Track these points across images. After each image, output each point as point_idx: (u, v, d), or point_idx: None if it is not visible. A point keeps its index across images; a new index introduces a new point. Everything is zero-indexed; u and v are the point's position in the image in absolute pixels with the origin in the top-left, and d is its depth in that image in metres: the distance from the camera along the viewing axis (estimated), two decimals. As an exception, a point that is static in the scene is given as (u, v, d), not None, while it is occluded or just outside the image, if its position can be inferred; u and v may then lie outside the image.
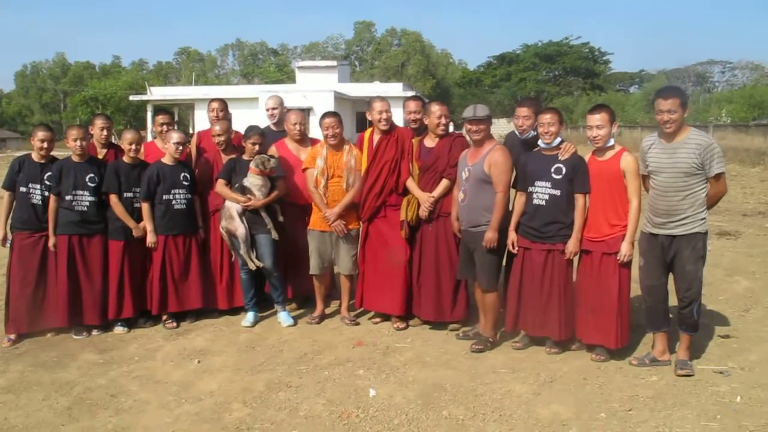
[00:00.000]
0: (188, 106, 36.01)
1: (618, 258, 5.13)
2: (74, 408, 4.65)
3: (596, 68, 67.71)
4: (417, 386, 4.88)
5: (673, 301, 5.21)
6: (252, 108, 25.20)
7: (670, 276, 5.16)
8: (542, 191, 5.38)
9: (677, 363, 5.06)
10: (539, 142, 5.50)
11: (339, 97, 30.44)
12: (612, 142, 5.24)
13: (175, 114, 41.41)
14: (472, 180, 5.53)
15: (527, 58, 65.44)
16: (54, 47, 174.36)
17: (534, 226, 5.41)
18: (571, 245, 5.30)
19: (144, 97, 36.50)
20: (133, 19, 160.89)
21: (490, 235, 5.44)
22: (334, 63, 42.10)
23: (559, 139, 5.42)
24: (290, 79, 51.76)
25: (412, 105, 6.43)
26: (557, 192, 5.33)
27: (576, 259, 5.45)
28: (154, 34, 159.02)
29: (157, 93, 37.17)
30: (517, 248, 5.52)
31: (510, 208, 5.63)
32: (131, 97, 39.75)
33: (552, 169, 5.35)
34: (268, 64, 78.76)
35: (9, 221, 6.18)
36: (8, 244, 6.21)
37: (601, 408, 4.49)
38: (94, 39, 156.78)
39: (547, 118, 5.39)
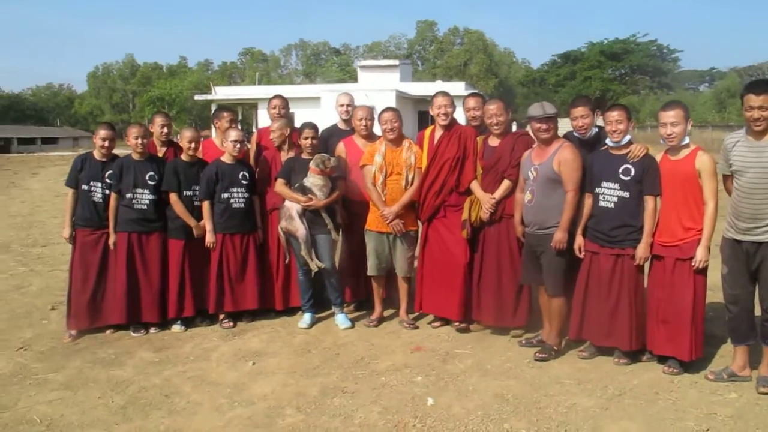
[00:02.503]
0: (251, 106, 36.47)
1: (693, 264, 4.81)
2: (128, 407, 4.61)
3: (664, 66, 65.72)
4: (477, 396, 4.66)
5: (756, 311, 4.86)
6: (314, 107, 25.35)
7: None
8: (610, 193, 5.10)
9: (759, 379, 4.69)
10: (607, 140, 5.21)
11: (401, 96, 30.33)
12: (687, 140, 4.92)
13: (239, 113, 42.13)
14: (540, 179, 5.29)
15: (592, 56, 63.85)
16: (124, 48, 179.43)
17: (602, 229, 5.13)
18: (641, 250, 5.00)
19: (208, 97, 37.20)
20: (200, 20, 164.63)
21: (560, 236, 5.19)
22: (396, 62, 42.04)
23: (628, 137, 5.13)
24: (352, 78, 52.03)
25: (472, 102, 6.24)
26: (626, 194, 5.04)
27: (647, 265, 5.15)
28: (219, 34, 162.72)
29: (221, 93, 37.82)
30: (583, 253, 5.25)
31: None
32: (196, 97, 40.57)
33: (620, 170, 5.06)
34: (330, 64, 79.36)
35: (73, 218, 6.23)
36: (73, 242, 6.26)
37: (675, 426, 4.18)
38: (162, 40, 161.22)
39: (614, 115, 5.10)
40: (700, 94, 61.53)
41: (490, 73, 73.51)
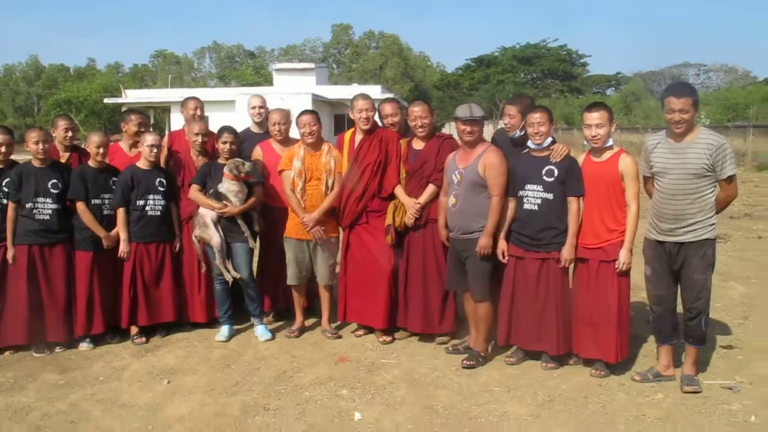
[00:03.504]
0: (164, 109, 35.46)
1: (616, 266, 4.80)
2: (29, 437, 4.22)
3: (574, 71, 67.72)
4: (406, 408, 4.50)
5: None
6: (229, 111, 24.80)
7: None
8: (534, 195, 5.05)
9: (683, 378, 4.73)
10: (529, 143, 5.16)
11: (317, 100, 30.15)
12: (611, 142, 4.92)
13: (151, 117, 40.92)
14: (465, 184, 5.18)
15: (505, 60, 65.24)
16: (27, 49, 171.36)
17: (527, 233, 5.07)
18: (566, 252, 4.96)
19: (119, 100, 36.05)
20: (109, 21, 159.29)
21: (485, 241, 5.09)
22: (311, 65, 41.80)
23: (549, 140, 5.09)
24: (267, 81, 51.37)
25: (388, 108, 6.12)
26: (549, 195, 4.99)
27: (571, 268, 5.12)
28: (129, 36, 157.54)
29: (133, 96, 36.70)
30: (507, 257, 5.18)
31: None
32: (106, 100, 39.21)
33: (543, 171, 5.02)
34: (245, 67, 78.26)
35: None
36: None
37: (607, 431, 4.14)
38: (69, 41, 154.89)
39: (536, 117, 5.05)
40: (608, 98, 63.56)
41: (406, 76, 73.97)
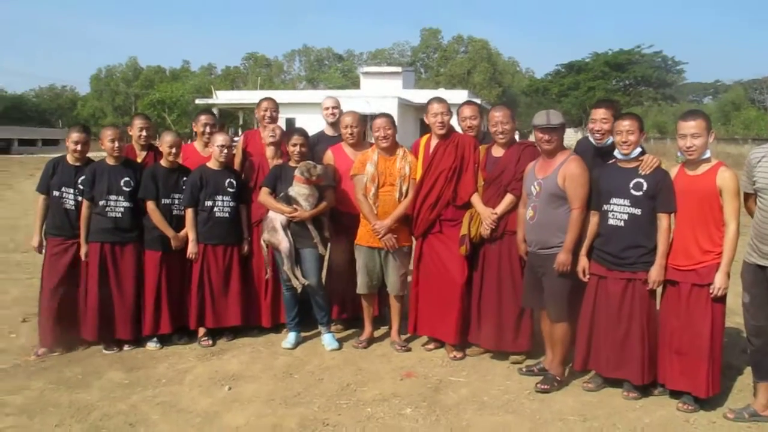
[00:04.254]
0: (253, 111, 36.06)
1: (711, 291, 4.37)
2: (86, 439, 4.17)
3: (669, 78, 65.55)
4: (471, 433, 4.23)
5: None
6: (317, 113, 24.96)
7: None
8: (620, 210, 4.65)
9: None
10: (615, 152, 4.78)
11: (403, 104, 30.08)
12: (708, 154, 4.49)
13: (240, 118, 41.85)
14: (543, 195, 4.86)
15: (596, 66, 63.72)
16: (127, 51, 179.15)
17: (611, 250, 4.68)
18: (655, 273, 4.55)
19: (210, 101, 36.97)
20: (204, 24, 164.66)
21: (563, 258, 4.75)
22: (398, 69, 41.94)
23: (638, 150, 4.68)
24: (355, 85, 51.84)
25: (467, 110, 5.85)
26: (637, 211, 4.59)
27: (659, 290, 4.71)
28: (223, 39, 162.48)
29: (223, 97, 37.63)
30: (588, 276, 4.81)
31: None
32: (197, 101, 40.28)
33: (631, 185, 4.62)
34: (334, 70, 79.14)
35: (44, 227, 5.82)
36: (44, 251, 5.84)
37: (693, 475, 3.76)
38: (166, 44, 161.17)
39: (625, 125, 4.65)
40: (704, 107, 61.12)
41: (494, 82, 73.34)
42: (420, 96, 34.64)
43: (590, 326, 4.80)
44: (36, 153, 47.64)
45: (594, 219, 4.80)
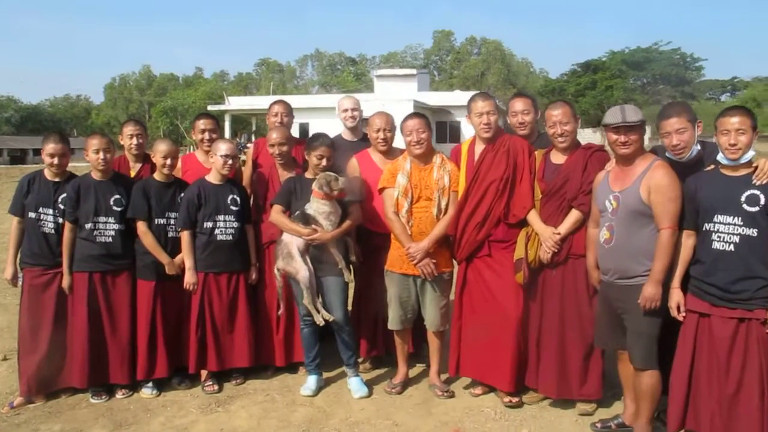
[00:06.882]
0: (266, 117, 35.42)
1: None
2: None
3: (688, 75, 64.36)
4: None
5: None
6: (331, 117, 24.17)
7: None
8: (728, 230, 3.64)
9: None
10: (719, 158, 3.76)
11: (418, 106, 29.35)
12: (752, 154, 3.64)
13: (253, 124, 41.18)
14: (622, 212, 3.90)
15: (613, 65, 62.73)
16: (141, 60, 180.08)
17: (716, 282, 3.66)
18: (781, 311, 3.53)
19: (222, 107, 36.46)
20: (216, 31, 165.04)
21: (652, 291, 3.78)
22: (413, 72, 41.26)
23: (751, 153, 3.68)
24: (368, 88, 51.34)
25: (519, 104, 4.94)
26: (752, 231, 3.58)
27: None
28: (235, 46, 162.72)
29: (235, 103, 37.03)
30: (684, 313, 3.83)
31: None
32: (209, 107, 39.76)
33: (743, 198, 3.62)
34: (347, 74, 78.84)
35: (19, 255, 4.95)
36: (20, 283, 4.96)
37: None
38: (179, 51, 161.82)
39: (735, 122, 3.63)
40: (723, 104, 59.98)
41: (508, 83, 72.72)
42: (435, 98, 33.89)
43: (688, 376, 3.77)
44: (49, 163, 47.56)
45: (689, 242, 3.80)
